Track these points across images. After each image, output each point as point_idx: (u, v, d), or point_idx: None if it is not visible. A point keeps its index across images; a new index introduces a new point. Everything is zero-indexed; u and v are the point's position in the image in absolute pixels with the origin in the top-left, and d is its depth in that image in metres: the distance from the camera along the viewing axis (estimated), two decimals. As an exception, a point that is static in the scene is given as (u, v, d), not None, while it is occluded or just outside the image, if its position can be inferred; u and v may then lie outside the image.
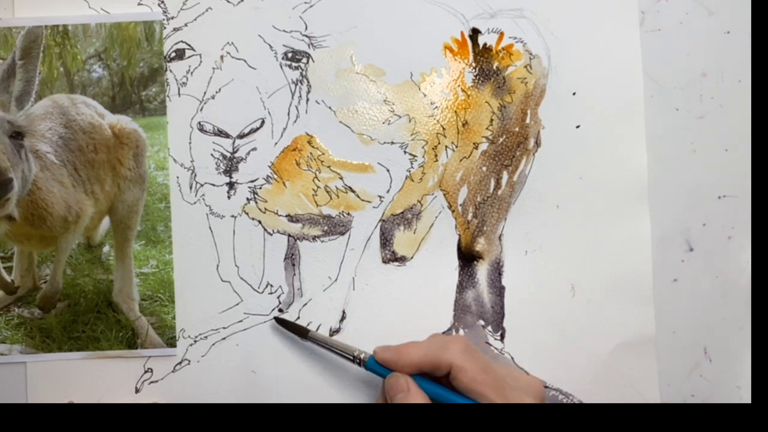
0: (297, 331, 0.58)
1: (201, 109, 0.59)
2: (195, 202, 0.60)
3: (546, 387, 0.59)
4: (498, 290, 0.60)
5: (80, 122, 0.60)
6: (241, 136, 0.59)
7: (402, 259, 0.60)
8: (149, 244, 0.60)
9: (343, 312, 0.60)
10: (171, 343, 0.60)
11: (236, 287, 0.60)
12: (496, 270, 0.60)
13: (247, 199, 0.60)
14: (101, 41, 0.60)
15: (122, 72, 0.60)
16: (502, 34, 0.61)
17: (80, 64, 0.60)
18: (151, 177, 0.61)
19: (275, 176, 0.60)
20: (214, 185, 0.60)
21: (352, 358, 0.54)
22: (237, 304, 0.60)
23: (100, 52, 0.60)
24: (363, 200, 0.60)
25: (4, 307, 0.60)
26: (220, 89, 0.59)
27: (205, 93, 0.59)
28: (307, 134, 0.60)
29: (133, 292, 0.60)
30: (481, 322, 0.60)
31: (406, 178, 0.60)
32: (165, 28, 0.60)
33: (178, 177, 0.60)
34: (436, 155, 0.60)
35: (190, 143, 0.60)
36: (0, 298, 0.60)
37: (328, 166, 0.60)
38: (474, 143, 0.61)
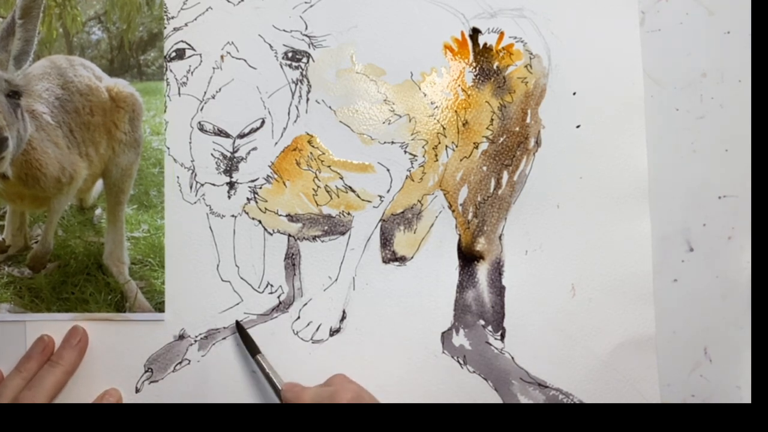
0: (249, 346, 0.58)
1: (201, 109, 0.59)
2: (195, 202, 0.60)
3: (546, 387, 0.59)
4: (498, 290, 0.60)
5: (77, 84, 0.60)
6: (242, 136, 0.59)
7: (402, 259, 0.60)
8: (141, 208, 0.60)
9: (344, 311, 0.60)
10: (159, 308, 0.60)
11: (236, 287, 0.60)
12: (497, 270, 0.60)
13: (248, 198, 0.60)
14: (101, 3, 0.60)
15: (121, 35, 0.60)
16: (502, 34, 0.61)
17: (80, 25, 0.60)
18: (146, 142, 0.61)
19: (275, 176, 0.60)
20: (214, 185, 0.60)
21: (277, 389, 0.56)
22: (237, 304, 0.60)
23: (100, 14, 0.60)
24: (363, 200, 0.60)
25: (-6, 265, 0.60)
26: (220, 89, 0.59)
27: (205, 93, 0.59)
28: (308, 134, 0.60)
29: (124, 256, 0.60)
30: (481, 322, 0.60)
31: (406, 177, 0.60)
32: (165, 27, 0.60)
33: (178, 177, 0.60)
34: (436, 155, 0.60)
35: (190, 143, 0.60)
36: (-10, 255, 0.61)
37: (329, 166, 0.60)
38: (474, 143, 0.60)
